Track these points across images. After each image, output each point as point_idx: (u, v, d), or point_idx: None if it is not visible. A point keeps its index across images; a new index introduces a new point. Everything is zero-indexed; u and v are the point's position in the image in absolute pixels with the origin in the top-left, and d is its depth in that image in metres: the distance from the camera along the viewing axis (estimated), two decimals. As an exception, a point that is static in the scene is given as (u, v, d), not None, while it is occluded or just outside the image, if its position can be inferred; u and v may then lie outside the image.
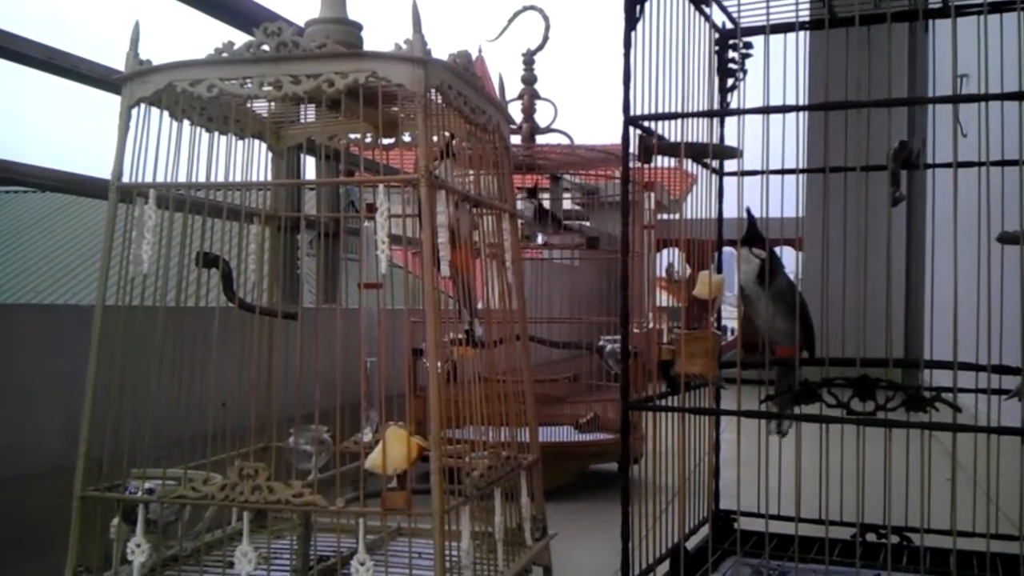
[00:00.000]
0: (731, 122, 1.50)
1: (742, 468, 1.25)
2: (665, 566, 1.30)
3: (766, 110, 1.18)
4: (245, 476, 1.06)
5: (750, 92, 1.45)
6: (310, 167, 2.15)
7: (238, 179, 1.16)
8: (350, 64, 1.07)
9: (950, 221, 1.07)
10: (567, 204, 3.76)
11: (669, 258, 2.67)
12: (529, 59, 2.30)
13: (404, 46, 1.05)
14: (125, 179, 1.14)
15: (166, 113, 1.14)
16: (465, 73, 1.18)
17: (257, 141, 1.32)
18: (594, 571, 1.55)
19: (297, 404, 1.22)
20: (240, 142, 1.21)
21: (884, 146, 1.19)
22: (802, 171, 1.28)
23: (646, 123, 1.24)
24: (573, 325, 2.74)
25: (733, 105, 1.51)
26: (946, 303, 1.08)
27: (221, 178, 1.13)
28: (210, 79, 1.09)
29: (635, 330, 1.69)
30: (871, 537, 1.36)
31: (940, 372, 1.34)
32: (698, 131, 1.34)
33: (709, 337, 1.29)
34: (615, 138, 1.27)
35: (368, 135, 1.37)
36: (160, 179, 1.13)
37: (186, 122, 1.16)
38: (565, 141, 2.33)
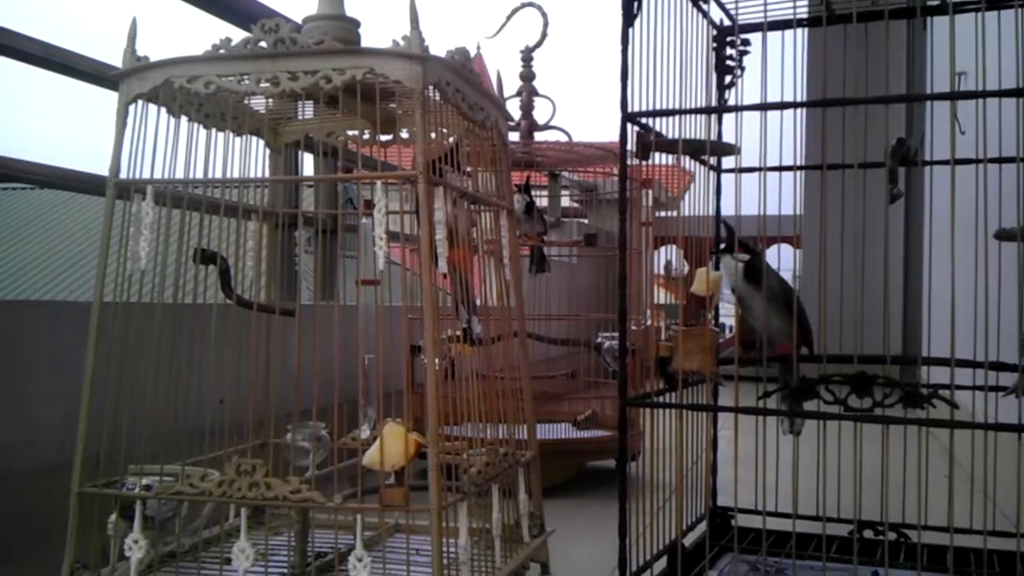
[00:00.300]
0: (729, 119, 1.50)
1: (739, 465, 1.25)
2: (662, 563, 1.30)
3: (764, 107, 1.18)
4: (243, 472, 1.06)
5: (748, 89, 1.45)
6: (308, 164, 2.15)
7: (236, 175, 1.16)
8: (348, 61, 1.07)
9: (948, 218, 1.07)
10: (565, 201, 3.75)
11: (667, 255, 2.67)
12: (527, 56, 2.30)
13: (402, 42, 1.05)
14: (123, 175, 1.14)
15: (164, 109, 1.14)
16: (463, 70, 1.18)
17: (255, 138, 1.32)
18: (591, 567, 1.55)
19: (295, 401, 1.21)
20: (238, 139, 1.21)
21: (882, 143, 1.19)
22: (800, 168, 1.28)
23: (644, 120, 1.24)
24: (571, 322, 2.73)
25: (731, 102, 1.51)
26: (944, 300, 1.08)
27: (219, 174, 1.13)
28: (208, 75, 1.09)
29: (633, 327, 1.69)
30: (868, 534, 1.36)
31: (937, 369, 1.35)
32: (696, 128, 1.34)
33: (707, 334, 1.29)
34: (613, 135, 1.28)
35: (366, 132, 1.37)
36: (158, 175, 1.13)
37: (184, 118, 1.16)
38: (563, 138, 2.33)
